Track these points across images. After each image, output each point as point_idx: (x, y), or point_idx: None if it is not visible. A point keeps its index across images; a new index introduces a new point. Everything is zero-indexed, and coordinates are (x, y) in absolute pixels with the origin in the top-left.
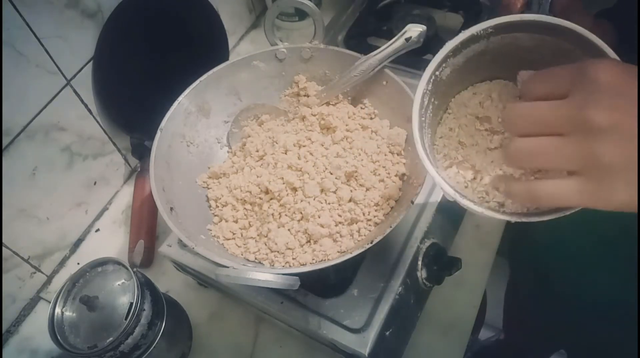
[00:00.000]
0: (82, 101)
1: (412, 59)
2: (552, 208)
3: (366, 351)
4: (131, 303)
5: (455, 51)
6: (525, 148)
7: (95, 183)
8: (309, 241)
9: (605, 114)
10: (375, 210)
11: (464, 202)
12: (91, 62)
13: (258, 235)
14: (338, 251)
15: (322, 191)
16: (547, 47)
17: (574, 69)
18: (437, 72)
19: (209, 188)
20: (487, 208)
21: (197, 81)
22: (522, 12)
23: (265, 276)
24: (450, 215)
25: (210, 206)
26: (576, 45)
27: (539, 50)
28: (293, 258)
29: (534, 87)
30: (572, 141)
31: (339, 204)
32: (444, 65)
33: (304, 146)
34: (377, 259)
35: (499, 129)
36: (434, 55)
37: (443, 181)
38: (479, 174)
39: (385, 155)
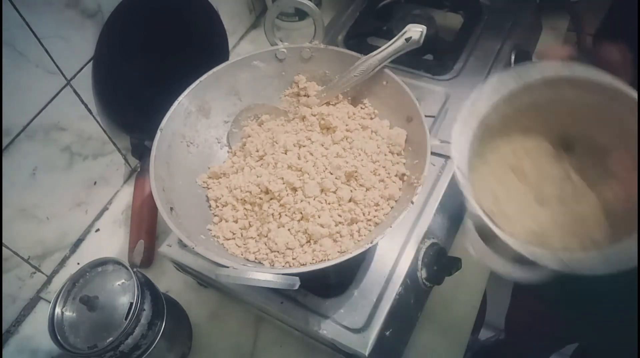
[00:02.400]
0: (82, 101)
1: (412, 59)
2: None
3: (366, 351)
4: (131, 303)
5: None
6: None
7: (95, 183)
8: (309, 241)
9: None
10: (375, 210)
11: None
12: (91, 62)
13: (258, 235)
14: (338, 251)
15: (322, 191)
16: (591, 110)
17: None
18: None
19: (209, 188)
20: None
21: (197, 81)
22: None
23: (265, 276)
24: (450, 215)
25: (210, 206)
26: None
27: (582, 111)
28: (293, 258)
29: None
30: None
31: (339, 204)
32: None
33: (304, 146)
34: (377, 259)
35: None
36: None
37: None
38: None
39: (385, 155)
